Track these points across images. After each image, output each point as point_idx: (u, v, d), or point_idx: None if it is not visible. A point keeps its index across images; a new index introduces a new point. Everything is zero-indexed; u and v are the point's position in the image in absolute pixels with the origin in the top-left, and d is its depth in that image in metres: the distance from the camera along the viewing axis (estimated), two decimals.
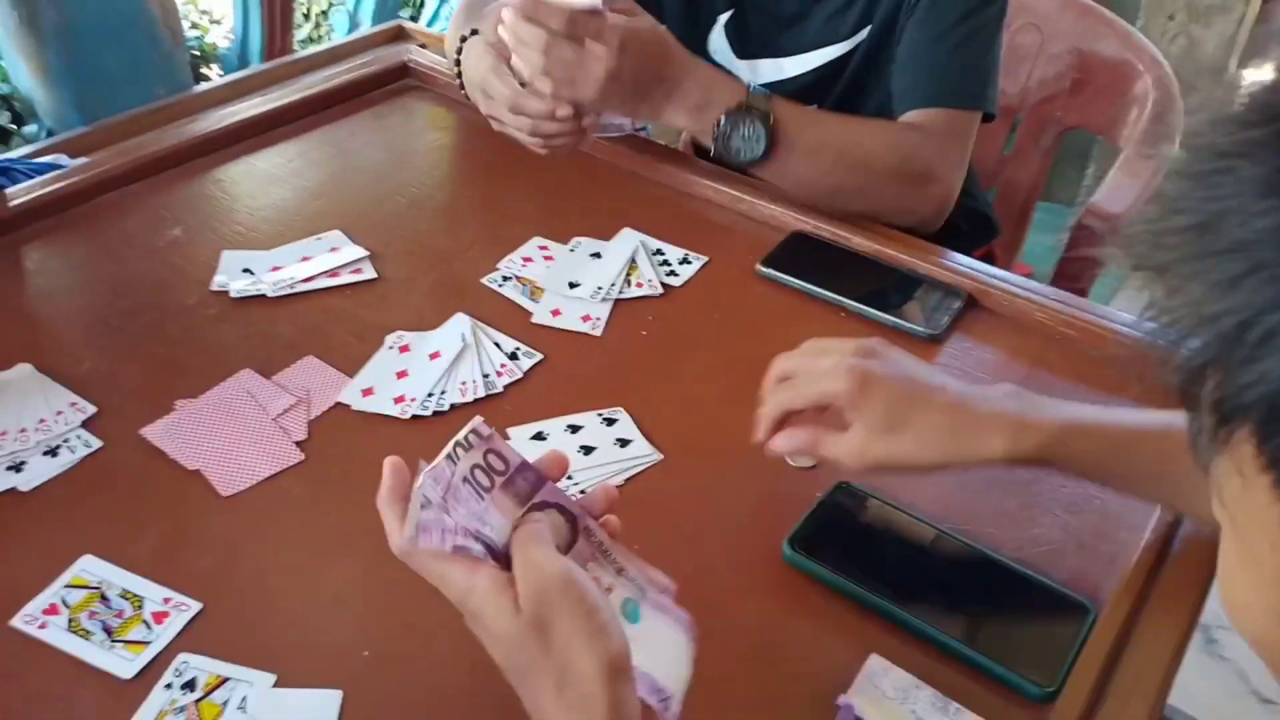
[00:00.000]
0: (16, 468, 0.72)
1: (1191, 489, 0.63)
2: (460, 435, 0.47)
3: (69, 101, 1.72)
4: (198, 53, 2.22)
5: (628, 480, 0.73)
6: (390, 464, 0.50)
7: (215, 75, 2.22)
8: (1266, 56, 0.30)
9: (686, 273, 0.94)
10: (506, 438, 0.75)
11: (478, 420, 0.48)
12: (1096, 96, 1.37)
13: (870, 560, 0.67)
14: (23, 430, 0.74)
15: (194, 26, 2.28)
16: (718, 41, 1.13)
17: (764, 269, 0.94)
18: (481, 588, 0.47)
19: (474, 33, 1.02)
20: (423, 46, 1.46)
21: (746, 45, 1.12)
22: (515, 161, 1.02)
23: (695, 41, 1.09)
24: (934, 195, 0.98)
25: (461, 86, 1.05)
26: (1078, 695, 0.58)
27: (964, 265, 0.92)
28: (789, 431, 0.69)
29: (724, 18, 1.11)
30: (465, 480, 0.47)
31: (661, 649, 0.50)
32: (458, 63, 1.03)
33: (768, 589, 0.67)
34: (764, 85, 0.97)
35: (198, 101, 1.55)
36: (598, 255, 0.96)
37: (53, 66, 1.71)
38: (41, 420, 0.75)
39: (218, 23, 2.30)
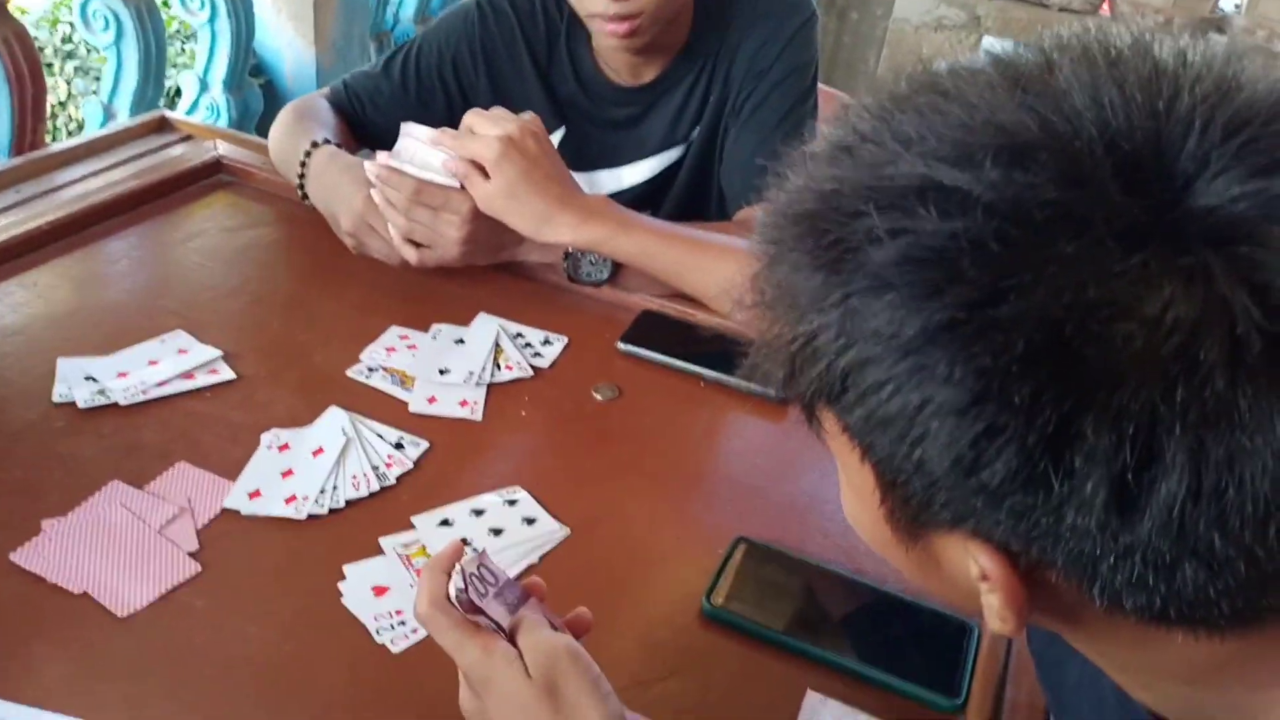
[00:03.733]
0: None
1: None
2: (463, 559, 0.58)
3: None
4: None
5: (541, 558, 0.75)
6: (453, 542, 0.61)
7: None
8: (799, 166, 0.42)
9: (550, 353, 0.98)
10: (411, 526, 0.76)
11: (472, 551, 0.59)
12: None
13: (783, 605, 0.73)
14: None
15: None
16: None
17: (624, 346, 0.99)
18: (498, 655, 0.55)
19: (317, 144, 1.04)
20: (188, 137, 1.41)
21: (583, 158, 1.19)
22: (357, 257, 1.03)
23: None
24: None
25: (302, 191, 1.06)
26: (983, 702, 0.67)
27: None
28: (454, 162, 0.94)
29: (558, 135, 1.18)
30: (472, 578, 0.58)
31: None
32: (302, 167, 1.04)
33: (693, 645, 0.71)
34: (606, 195, 1.05)
35: None
36: (461, 341, 0.98)
37: None
38: None
39: None
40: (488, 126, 0.95)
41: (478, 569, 0.58)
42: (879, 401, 0.37)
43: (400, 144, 0.98)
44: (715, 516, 0.83)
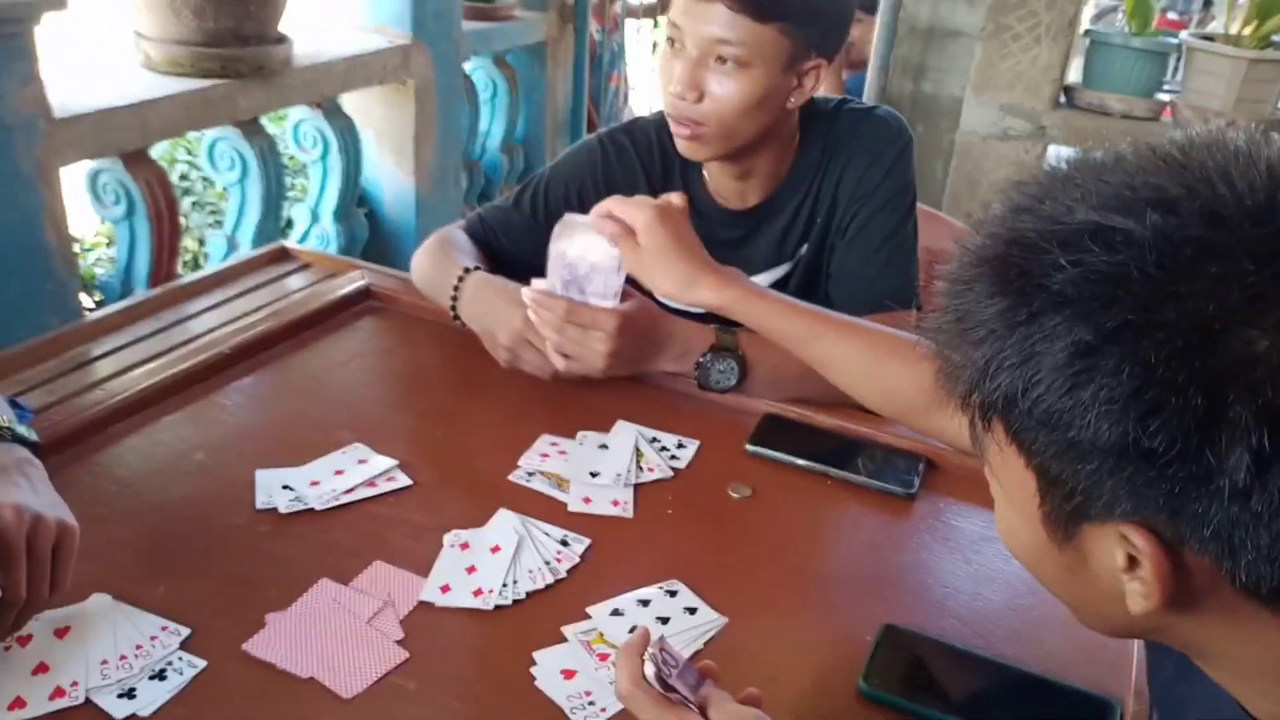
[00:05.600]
0: (129, 694, 0.73)
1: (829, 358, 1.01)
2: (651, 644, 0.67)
3: None
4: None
5: (705, 644, 0.83)
6: (643, 629, 0.69)
7: (91, 302, 2.19)
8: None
9: (686, 455, 1.07)
10: (587, 616, 0.84)
11: (658, 635, 0.68)
12: None
13: (934, 686, 0.79)
14: (123, 658, 0.75)
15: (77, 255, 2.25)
16: None
17: (753, 448, 1.08)
18: (678, 715, 0.64)
19: (470, 270, 1.16)
20: (306, 266, 1.54)
21: None
22: (501, 370, 1.14)
23: None
24: None
25: (454, 312, 1.18)
26: None
27: (910, 433, 1.10)
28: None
29: None
30: (663, 661, 0.65)
31: None
32: (455, 290, 1.16)
33: None
34: None
35: (92, 329, 1.58)
36: (605, 446, 1.07)
37: None
38: (138, 646, 0.76)
39: (90, 249, 2.29)
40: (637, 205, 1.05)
41: (660, 651, 0.65)
42: (1053, 402, 0.46)
43: (558, 229, 1.08)
44: (857, 605, 0.89)
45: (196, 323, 1.29)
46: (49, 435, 0.98)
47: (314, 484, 0.97)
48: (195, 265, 2.65)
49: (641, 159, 1.29)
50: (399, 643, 0.80)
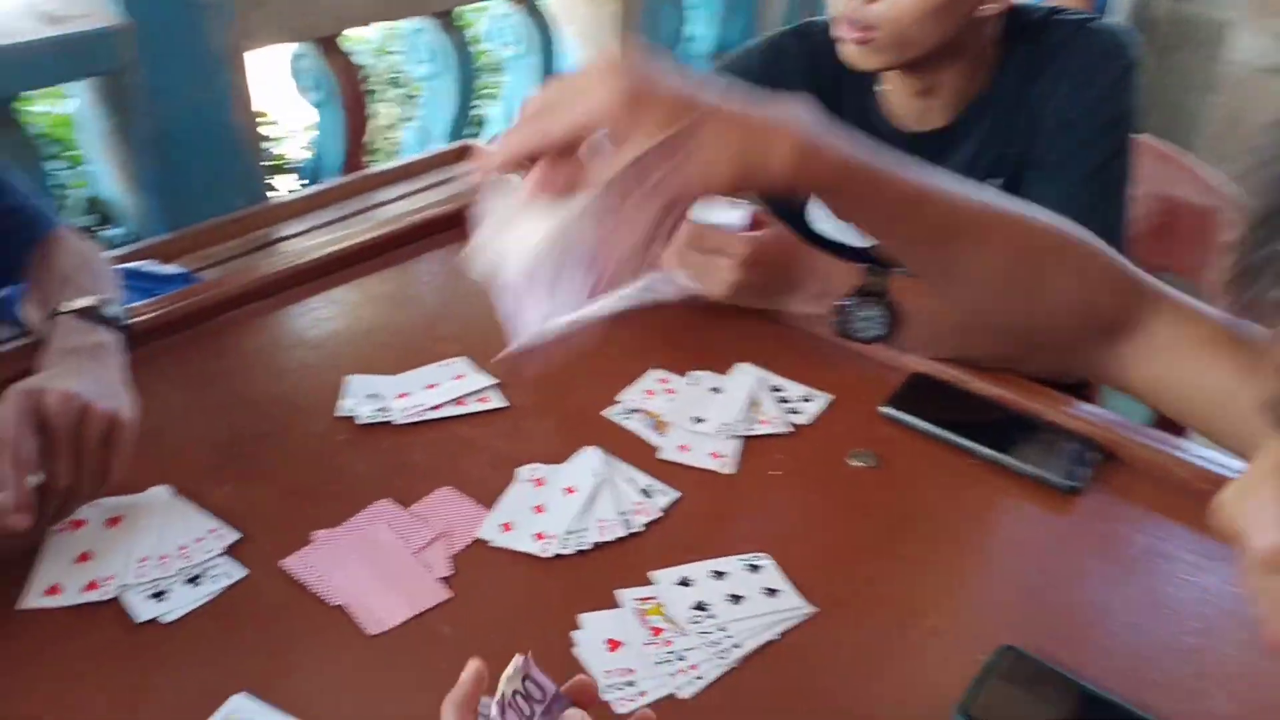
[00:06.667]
0: (159, 596, 0.70)
1: (965, 263, 0.74)
2: (509, 669, 0.50)
3: (155, 208, 1.75)
4: (269, 164, 2.27)
5: (782, 634, 0.71)
6: (472, 669, 0.52)
7: (281, 185, 2.27)
8: None
9: (810, 411, 0.94)
10: (649, 581, 0.74)
11: (519, 658, 0.51)
12: (1181, 241, 1.39)
13: None
14: (163, 557, 0.73)
15: (265, 139, 2.34)
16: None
17: (888, 410, 0.93)
18: None
19: None
20: None
21: None
22: None
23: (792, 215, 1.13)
24: None
25: None
26: None
27: (1096, 416, 0.92)
28: (544, 177, 0.59)
29: None
30: (510, 706, 0.49)
31: None
32: None
33: None
34: None
35: (276, 213, 1.59)
36: (717, 390, 0.95)
37: (140, 174, 1.74)
38: (182, 547, 0.74)
39: (288, 134, 2.36)
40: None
41: (523, 684, 0.50)
42: None
43: None
44: (979, 616, 0.75)
45: (378, 214, 1.27)
46: (163, 318, 0.97)
47: (401, 395, 0.91)
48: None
49: (810, 65, 1.14)
50: (444, 580, 0.73)
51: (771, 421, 0.92)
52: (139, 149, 1.70)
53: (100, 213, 1.87)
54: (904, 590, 0.76)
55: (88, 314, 0.82)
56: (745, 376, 0.97)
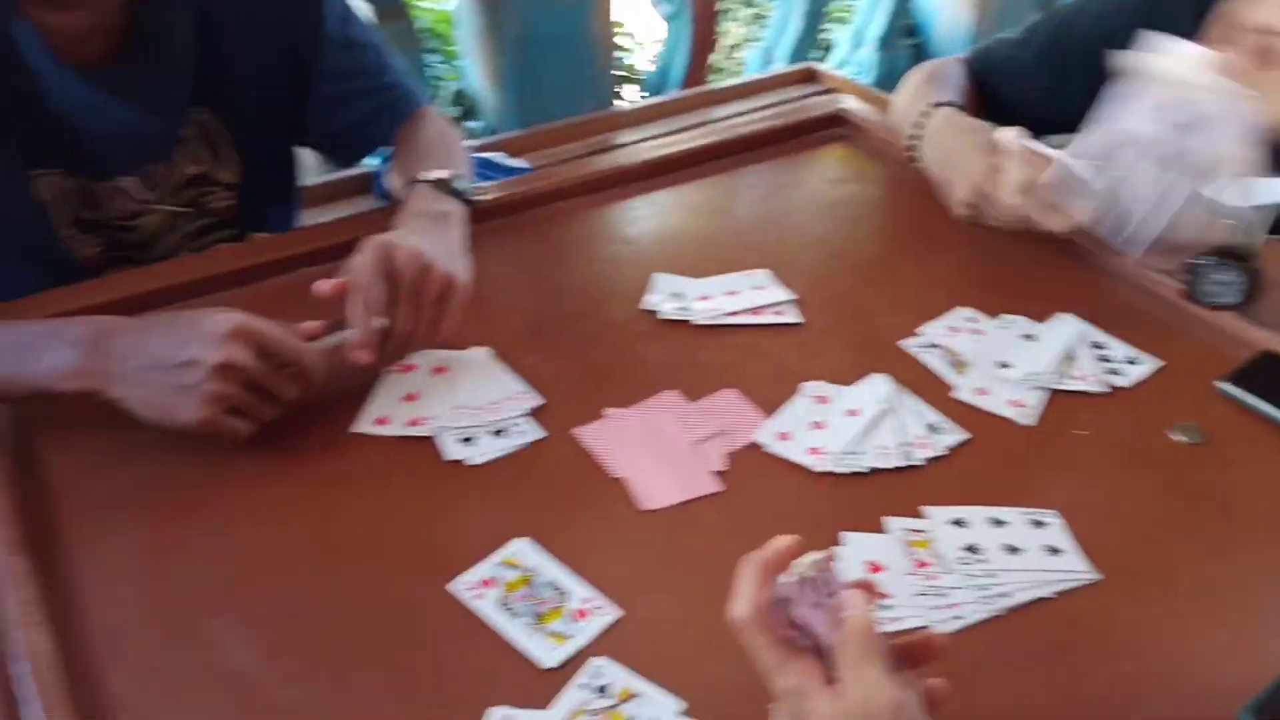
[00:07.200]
0: (467, 440, 0.78)
1: None
2: (807, 556, 0.53)
3: (511, 104, 1.89)
4: (619, 73, 2.37)
5: (1057, 594, 0.67)
6: (786, 540, 0.53)
7: (627, 95, 2.37)
8: None
9: (1134, 374, 0.86)
10: (920, 515, 0.72)
11: (823, 552, 0.53)
12: None
13: None
14: (476, 408, 0.81)
15: (618, 49, 2.45)
16: None
17: (1225, 386, 0.83)
18: (797, 672, 0.50)
19: (939, 104, 1.01)
20: (830, 90, 1.46)
21: None
22: (946, 224, 0.99)
23: None
24: None
25: (911, 151, 1.04)
26: None
27: None
28: None
29: None
30: (807, 583, 0.52)
31: None
32: (916, 127, 1.03)
33: None
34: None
35: (619, 120, 1.65)
36: (1030, 337, 0.90)
37: (504, 72, 1.88)
38: (493, 403, 0.81)
39: (640, 45, 2.44)
40: None
41: (817, 574, 0.52)
42: None
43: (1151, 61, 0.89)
44: None
45: (710, 129, 1.31)
46: (503, 200, 1.06)
47: (703, 298, 0.94)
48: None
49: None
50: (717, 474, 0.76)
51: (1086, 379, 0.85)
52: (506, 47, 1.84)
53: (465, 106, 2.05)
54: (1206, 576, 0.69)
55: (441, 185, 0.91)
56: (1065, 327, 0.90)
